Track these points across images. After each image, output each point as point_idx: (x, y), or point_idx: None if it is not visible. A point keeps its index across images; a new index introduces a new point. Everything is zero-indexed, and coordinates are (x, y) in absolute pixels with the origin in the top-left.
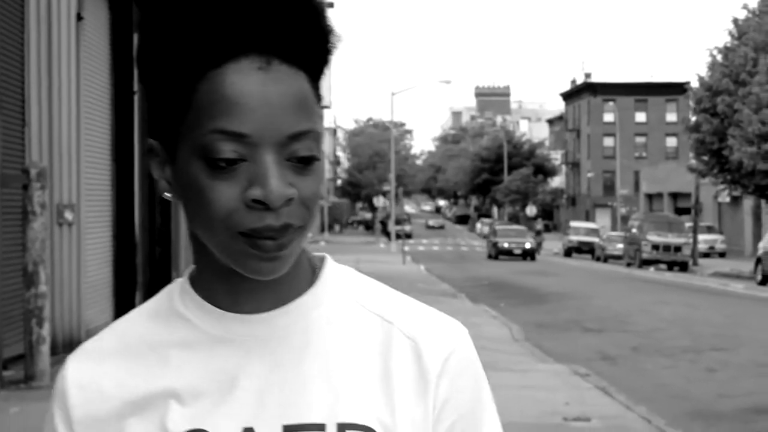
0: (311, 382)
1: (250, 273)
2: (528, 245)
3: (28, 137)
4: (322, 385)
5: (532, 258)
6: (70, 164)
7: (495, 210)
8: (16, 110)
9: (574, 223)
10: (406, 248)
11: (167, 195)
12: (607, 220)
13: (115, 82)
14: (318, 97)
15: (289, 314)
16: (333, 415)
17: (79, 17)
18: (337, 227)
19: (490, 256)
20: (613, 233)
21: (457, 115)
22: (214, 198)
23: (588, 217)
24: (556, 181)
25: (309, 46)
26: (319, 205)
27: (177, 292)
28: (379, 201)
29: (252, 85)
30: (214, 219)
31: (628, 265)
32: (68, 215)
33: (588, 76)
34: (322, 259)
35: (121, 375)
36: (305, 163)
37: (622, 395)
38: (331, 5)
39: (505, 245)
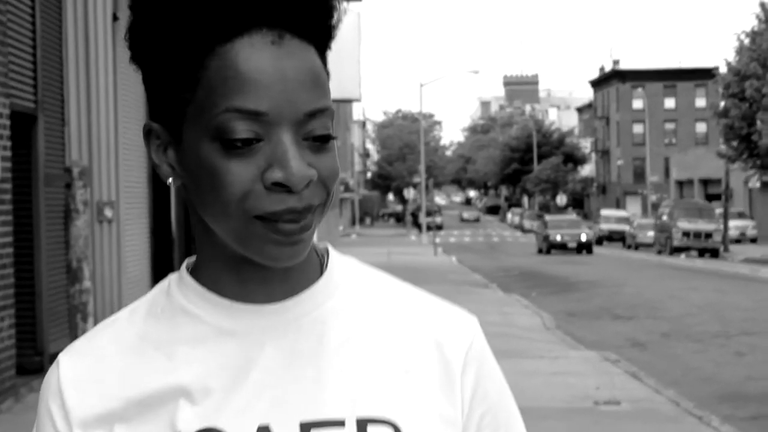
0: (328, 376)
1: (268, 260)
2: (584, 237)
3: (68, 137)
4: (340, 379)
5: (589, 251)
6: (109, 162)
7: (525, 200)
8: (55, 110)
9: (604, 212)
10: (438, 240)
11: (170, 181)
12: (638, 208)
13: None
14: (327, 73)
15: (303, 304)
16: (352, 410)
17: (115, 17)
18: (368, 220)
19: (540, 251)
20: (644, 221)
21: (485, 104)
22: (230, 180)
23: (618, 205)
24: (586, 170)
25: (318, 19)
26: (338, 182)
27: (175, 287)
28: (409, 193)
29: (266, 61)
30: (229, 202)
31: (659, 252)
32: (108, 213)
33: (616, 63)
34: (325, 248)
35: (124, 374)
36: (322, 142)
37: (651, 379)
38: None
39: (558, 238)
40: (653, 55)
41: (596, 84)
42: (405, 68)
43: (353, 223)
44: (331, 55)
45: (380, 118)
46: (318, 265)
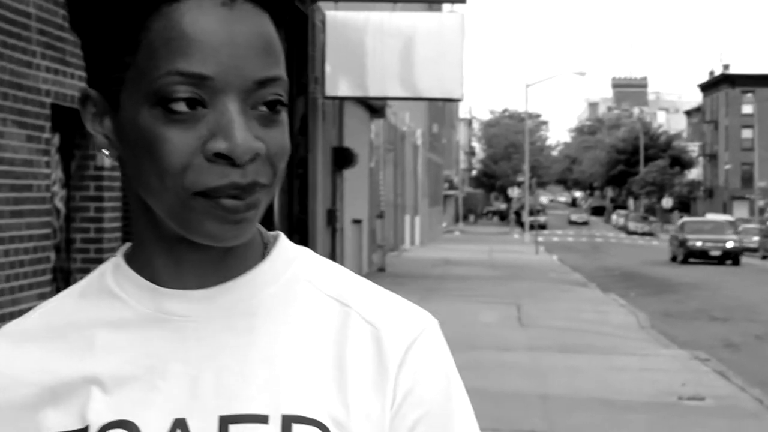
0: (254, 370)
1: (207, 238)
2: (730, 244)
3: None
4: (266, 373)
5: (735, 262)
6: None
7: (631, 202)
8: None
9: (710, 216)
10: (540, 239)
11: (105, 152)
12: (745, 213)
13: None
14: (282, 43)
15: (233, 292)
16: (277, 406)
17: None
18: (471, 217)
19: (674, 259)
20: (749, 225)
21: (593, 106)
22: (168, 149)
23: (725, 209)
24: (693, 173)
25: None
26: (285, 161)
27: (110, 270)
28: (513, 192)
29: (215, 23)
30: (166, 174)
31: (764, 257)
32: None
33: (726, 67)
34: (275, 237)
35: (40, 358)
36: (271, 109)
37: (739, 378)
38: (463, 0)
39: (698, 245)
40: (764, 60)
41: (705, 88)
42: (512, 68)
43: (457, 220)
44: (434, 56)
45: (486, 116)
46: (260, 252)
